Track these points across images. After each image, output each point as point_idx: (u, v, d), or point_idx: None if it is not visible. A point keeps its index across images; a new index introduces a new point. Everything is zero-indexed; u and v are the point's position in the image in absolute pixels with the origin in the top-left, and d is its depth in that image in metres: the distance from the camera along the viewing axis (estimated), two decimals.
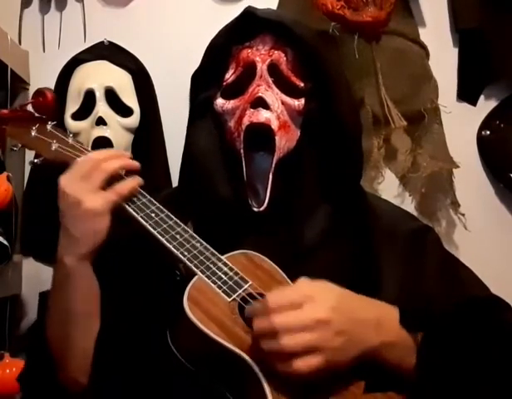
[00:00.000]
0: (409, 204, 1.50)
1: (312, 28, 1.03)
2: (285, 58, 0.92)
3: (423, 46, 1.53)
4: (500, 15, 1.50)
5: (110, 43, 1.55)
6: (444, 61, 1.56)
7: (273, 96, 0.90)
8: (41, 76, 1.56)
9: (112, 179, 0.86)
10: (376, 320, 0.75)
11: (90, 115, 1.42)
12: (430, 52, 1.54)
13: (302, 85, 0.93)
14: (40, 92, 1.01)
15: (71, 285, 0.84)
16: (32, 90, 1.56)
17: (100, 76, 1.47)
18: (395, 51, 1.48)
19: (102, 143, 1.40)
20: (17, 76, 1.47)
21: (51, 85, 1.51)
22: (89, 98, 1.43)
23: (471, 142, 1.58)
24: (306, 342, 0.70)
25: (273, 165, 0.89)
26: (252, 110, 0.89)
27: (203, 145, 0.95)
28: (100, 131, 1.41)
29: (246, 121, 0.89)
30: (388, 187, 1.50)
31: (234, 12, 1.00)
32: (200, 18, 1.59)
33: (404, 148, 1.51)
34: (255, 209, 0.88)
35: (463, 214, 1.50)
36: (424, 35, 1.55)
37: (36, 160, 0.95)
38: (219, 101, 0.95)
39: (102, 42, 1.54)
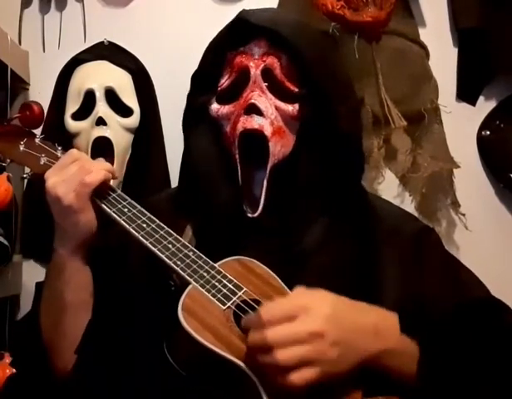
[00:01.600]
0: (409, 205, 1.50)
1: (312, 28, 1.00)
2: (279, 63, 0.91)
3: (423, 46, 1.53)
4: (500, 14, 1.50)
5: (110, 43, 1.55)
6: (444, 61, 1.56)
7: (266, 101, 0.90)
8: (41, 76, 1.56)
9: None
10: (374, 327, 0.75)
11: (90, 115, 1.42)
12: (430, 52, 1.54)
13: (296, 90, 0.92)
14: (27, 106, 1.01)
15: (64, 275, 0.88)
16: (31, 90, 1.56)
17: (100, 76, 1.47)
18: (395, 51, 1.48)
19: (102, 143, 1.41)
20: (17, 76, 1.47)
21: (51, 85, 1.52)
22: (89, 98, 1.43)
23: (471, 142, 1.58)
24: (300, 355, 0.69)
25: (268, 171, 0.89)
26: (245, 116, 0.89)
27: (201, 149, 0.95)
28: (100, 131, 1.41)
29: (240, 127, 0.89)
30: (388, 187, 1.50)
31: (234, 12, 1.00)
32: (200, 18, 1.59)
33: (404, 148, 1.51)
34: (249, 215, 0.88)
35: (463, 214, 1.50)
36: (424, 35, 1.55)
37: (25, 175, 0.97)
38: (214, 106, 0.95)
39: (102, 42, 1.54)
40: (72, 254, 0.88)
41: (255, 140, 0.89)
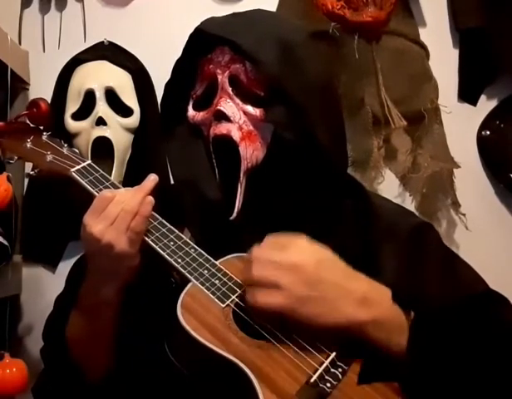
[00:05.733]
0: (409, 205, 1.50)
1: (285, 35, 0.93)
2: (243, 68, 0.91)
3: (423, 47, 1.53)
4: (501, 14, 1.50)
5: (110, 43, 1.55)
6: (444, 62, 1.56)
7: (234, 107, 0.91)
8: (41, 76, 1.56)
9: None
10: (361, 296, 0.75)
11: (90, 115, 1.43)
12: (430, 52, 1.54)
13: (262, 94, 0.91)
14: (34, 103, 1.01)
15: (109, 313, 0.88)
16: (32, 90, 1.56)
17: (101, 76, 1.47)
18: (395, 51, 1.48)
19: (102, 143, 1.41)
20: (17, 76, 1.47)
21: (51, 85, 1.52)
22: (89, 98, 1.43)
23: (471, 142, 1.58)
24: (271, 276, 0.74)
25: (242, 175, 0.90)
26: (216, 122, 0.91)
27: (183, 153, 0.97)
28: (100, 131, 1.41)
29: (211, 134, 0.92)
30: (388, 187, 1.50)
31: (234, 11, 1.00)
32: (200, 18, 1.56)
33: (404, 148, 1.51)
34: (230, 218, 0.90)
35: (464, 214, 1.50)
36: (424, 35, 1.55)
37: (31, 172, 0.96)
38: (191, 113, 0.96)
39: (102, 42, 1.55)
40: (121, 291, 0.87)
41: (228, 146, 0.90)
